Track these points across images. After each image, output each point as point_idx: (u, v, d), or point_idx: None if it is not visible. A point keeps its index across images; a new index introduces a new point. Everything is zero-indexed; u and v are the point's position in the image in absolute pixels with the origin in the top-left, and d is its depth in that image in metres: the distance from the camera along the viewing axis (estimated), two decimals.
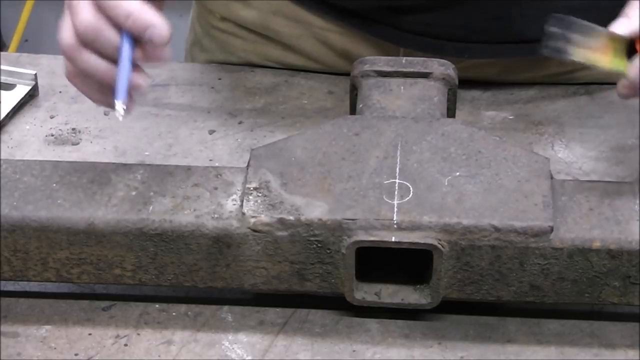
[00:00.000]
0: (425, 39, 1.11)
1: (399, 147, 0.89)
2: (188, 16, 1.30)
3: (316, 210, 0.85)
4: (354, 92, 1.00)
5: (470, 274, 0.86)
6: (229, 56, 1.22)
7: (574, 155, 1.06)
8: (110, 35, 0.85)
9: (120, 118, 0.86)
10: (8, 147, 1.08)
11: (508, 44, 1.11)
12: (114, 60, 0.86)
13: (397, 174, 0.87)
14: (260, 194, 0.86)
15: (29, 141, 1.09)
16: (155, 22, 0.84)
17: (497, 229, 0.84)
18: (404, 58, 0.99)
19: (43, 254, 0.88)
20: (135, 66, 0.86)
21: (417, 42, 1.10)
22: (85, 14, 0.85)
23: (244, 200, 0.86)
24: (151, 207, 0.86)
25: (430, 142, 0.89)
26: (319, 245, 0.85)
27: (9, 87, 1.14)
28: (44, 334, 0.90)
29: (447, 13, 1.09)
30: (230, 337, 0.90)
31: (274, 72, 1.19)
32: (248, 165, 0.89)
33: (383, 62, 0.99)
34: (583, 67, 1.16)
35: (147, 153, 1.07)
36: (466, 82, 1.07)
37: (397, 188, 0.86)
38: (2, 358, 0.88)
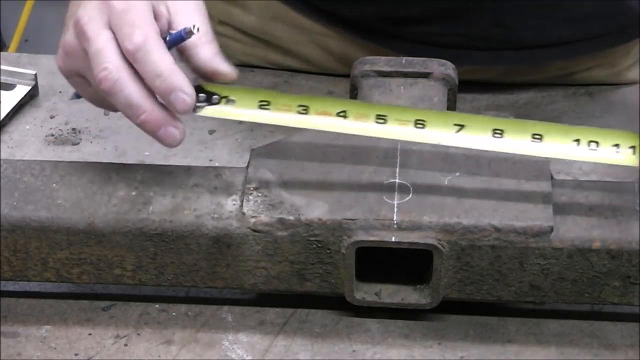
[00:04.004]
0: (425, 47, 1.11)
1: (399, 147, 0.89)
2: None
3: (316, 210, 0.85)
4: (354, 92, 1.00)
5: (470, 274, 0.86)
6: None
7: None
8: (131, 90, 0.82)
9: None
10: (8, 147, 1.08)
11: (508, 51, 1.12)
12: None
13: (397, 174, 0.87)
14: (260, 194, 0.86)
15: (29, 141, 1.09)
16: (183, 87, 0.82)
17: (497, 229, 0.84)
18: (404, 58, 0.99)
19: (43, 254, 0.88)
20: None
21: (417, 50, 1.10)
22: (109, 58, 0.82)
23: (244, 200, 0.86)
24: (151, 207, 0.87)
25: None
26: (319, 245, 0.85)
27: (9, 87, 1.14)
28: (44, 334, 0.90)
29: (446, 23, 1.09)
30: (230, 337, 0.90)
31: (274, 73, 1.19)
32: (248, 165, 0.89)
33: (383, 62, 0.99)
34: (583, 69, 1.17)
35: (147, 153, 1.07)
36: (466, 83, 1.07)
37: (397, 188, 0.86)
38: (2, 358, 0.88)
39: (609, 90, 1.16)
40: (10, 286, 0.94)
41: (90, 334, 0.90)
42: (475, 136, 0.84)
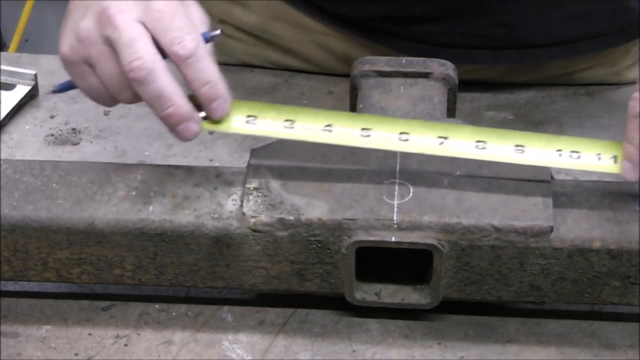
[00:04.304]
0: (425, 46, 1.11)
1: None
2: None
3: (316, 210, 0.85)
4: (354, 92, 1.00)
5: (470, 274, 0.86)
6: (228, 58, 1.21)
7: None
8: (164, 82, 0.82)
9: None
10: (8, 147, 1.08)
11: (509, 50, 1.12)
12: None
13: (397, 174, 0.87)
14: (260, 194, 0.86)
15: (29, 141, 1.09)
16: (226, 95, 0.84)
17: (497, 229, 0.84)
18: (404, 58, 0.99)
19: (43, 254, 0.88)
20: None
21: (418, 49, 1.10)
22: (144, 48, 0.82)
23: (244, 200, 0.86)
24: (151, 207, 0.87)
25: None
26: (319, 245, 0.85)
27: (9, 87, 1.14)
28: (44, 334, 0.90)
29: (447, 22, 1.09)
30: (230, 337, 0.90)
31: (274, 72, 1.19)
32: (248, 165, 0.89)
33: (383, 62, 0.99)
34: (583, 68, 1.17)
35: (147, 153, 1.07)
36: (466, 83, 1.07)
37: (397, 188, 0.86)
38: (2, 358, 0.88)
39: (609, 90, 1.16)
40: (10, 286, 0.94)
41: (90, 334, 0.90)
42: (459, 147, 0.85)
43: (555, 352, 0.88)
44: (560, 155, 0.85)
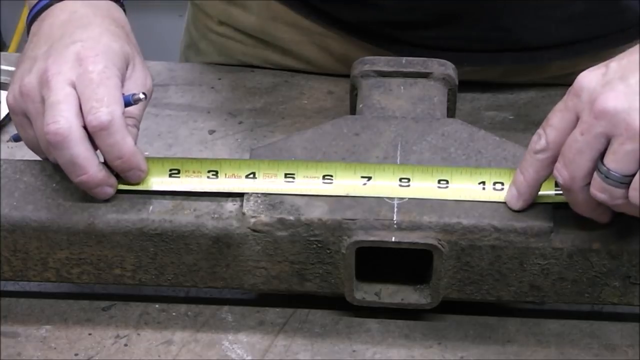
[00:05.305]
0: (424, 50, 1.11)
1: (399, 147, 0.89)
2: None
3: (316, 210, 0.85)
4: (354, 92, 1.00)
5: (470, 274, 0.86)
6: (227, 59, 1.22)
7: None
8: (78, 151, 0.83)
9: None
10: (8, 147, 1.08)
11: (508, 52, 1.12)
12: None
13: None
14: (260, 194, 0.86)
15: None
16: (139, 166, 0.86)
17: (497, 229, 0.84)
18: (404, 58, 0.99)
19: (43, 254, 0.88)
20: None
21: (417, 53, 1.10)
22: (64, 113, 0.82)
23: (244, 200, 0.86)
24: (151, 207, 0.87)
25: (430, 142, 0.90)
26: (319, 245, 0.85)
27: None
28: (44, 334, 0.90)
29: (445, 27, 1.09)
30: (230, 337, 0.90)
31: (274, 72, 1.19)
32: None
33: (383, 62, 0.99)
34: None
35: (147, 153, 1.07)
36: (466, 83, 1.07)
37: None
38: (2, 358, 0.88)
39: None
40: (10, 286, 0.94)
41: (90, 334, 0.90)
42: (383, 186, 0.85)
43: (555, 352, 0.88)
44: (484, 188, 0.85)
